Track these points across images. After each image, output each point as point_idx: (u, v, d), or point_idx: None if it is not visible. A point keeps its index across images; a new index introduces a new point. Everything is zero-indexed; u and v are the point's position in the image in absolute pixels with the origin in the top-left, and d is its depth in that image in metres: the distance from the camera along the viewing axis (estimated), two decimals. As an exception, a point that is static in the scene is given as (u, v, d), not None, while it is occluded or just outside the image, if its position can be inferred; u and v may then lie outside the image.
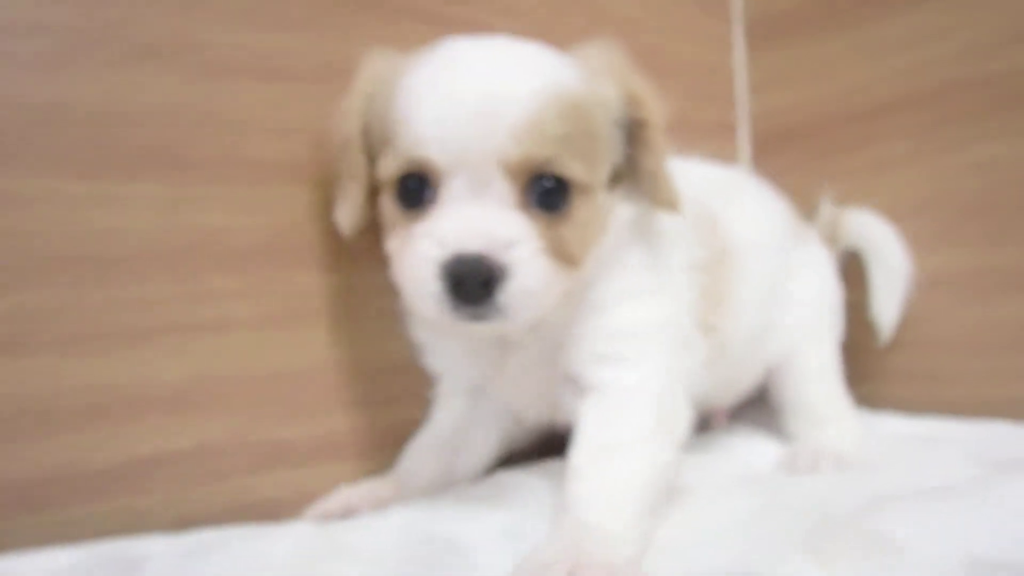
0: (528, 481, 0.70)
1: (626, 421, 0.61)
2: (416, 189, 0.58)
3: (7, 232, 0.57)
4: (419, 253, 0.56)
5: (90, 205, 0.60)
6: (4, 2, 0.57)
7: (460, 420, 0.73)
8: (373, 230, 0.64)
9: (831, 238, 0.98)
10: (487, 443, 0.74)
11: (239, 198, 0.66)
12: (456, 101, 0.56)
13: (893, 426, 0.92)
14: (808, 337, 0.87)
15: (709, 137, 1.14)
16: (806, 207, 1.03)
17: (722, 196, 0.81)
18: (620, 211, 0.64)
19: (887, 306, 0.96)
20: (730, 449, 0.85)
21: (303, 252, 0.69)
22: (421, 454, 0.72)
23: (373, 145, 0.61)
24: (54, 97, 0.59)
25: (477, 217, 0.55)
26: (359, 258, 0.72)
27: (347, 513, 0.66)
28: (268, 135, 0.68)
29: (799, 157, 1.14)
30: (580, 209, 0.59)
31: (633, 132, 0.63)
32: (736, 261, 0.77)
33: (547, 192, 0.57)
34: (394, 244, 0.60)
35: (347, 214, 0.64)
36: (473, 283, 0.54)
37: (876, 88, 1.05)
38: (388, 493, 0.68)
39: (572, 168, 0.57)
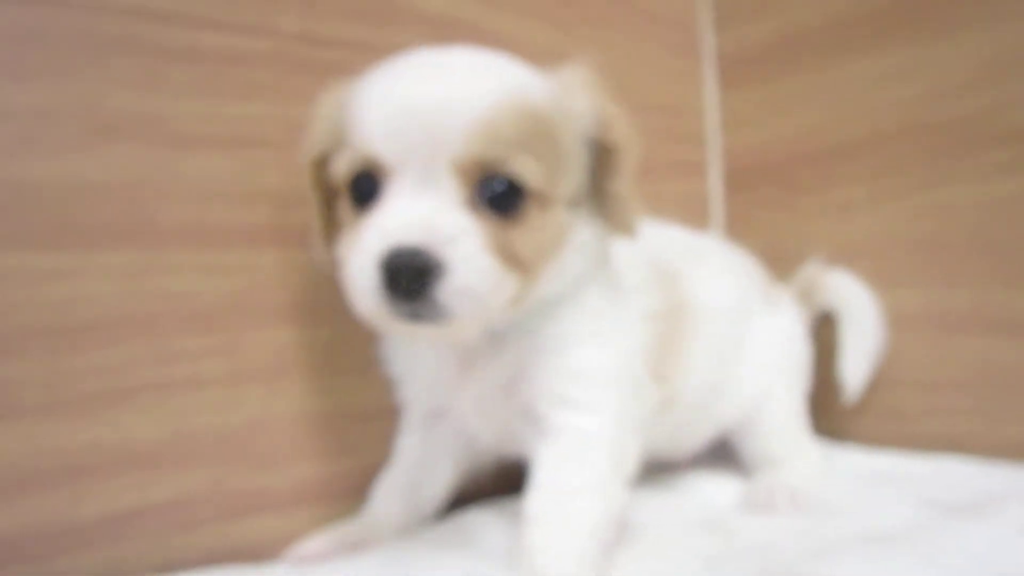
0: (488, 523, 0.73)
1: (581, 468, 0.63)
2: (367, 188, 0.57)
3: None
4: (361, 246, 0.55)
5: (59, 277, 0.63)
6: None
7: (421, 454, 0.75)
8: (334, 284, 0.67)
9: (807, 295, 1.01)
10: (447, 475, 0.76)
11: (206, 262, 0.69)
12: (407, 99, 0.55)
13: (854, 460, 0.94)
14: (770, 398, 0.88)
15: (679, 175, 1.17)
16: (776, 247, 1.07)
17: (689, 257, 0.83)
18: (580, 231, 0.64)
19: (855, 369, 0.98)
20: (691, 488, 0.87)
21: (269, 310, 0.72)
22: (387, 496, 0.75)
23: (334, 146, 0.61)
24: (21, 176, 0.61)
25: (421, 211, 0.54)
26: (326, 313, 0.74)
27: (320, 558, 0.69)
28: (234, 200, 0.71)
29: (769, 195, 1.16)
30: (535, 217, 0.58)
31: (601, 155, 0.63)
32: (693, 320, 0.79)
33: (499, 194, 0.56)
34: (344, 244, 0.59)
35: (318, 246, 0.66)
36: (409, 276, 0.52)
37: (840, 129, 1.07)
38: (359, 537, 0.71)
39: (527, 172, 0.56)
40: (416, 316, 0.54)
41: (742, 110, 1.19)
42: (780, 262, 1.10)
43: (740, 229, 1.19)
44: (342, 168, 0.58)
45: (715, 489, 0.87)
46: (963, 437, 0.95)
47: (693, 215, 1.19)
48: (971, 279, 0.95)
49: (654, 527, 0.73)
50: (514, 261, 0.57)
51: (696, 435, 0.88)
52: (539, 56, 0.93)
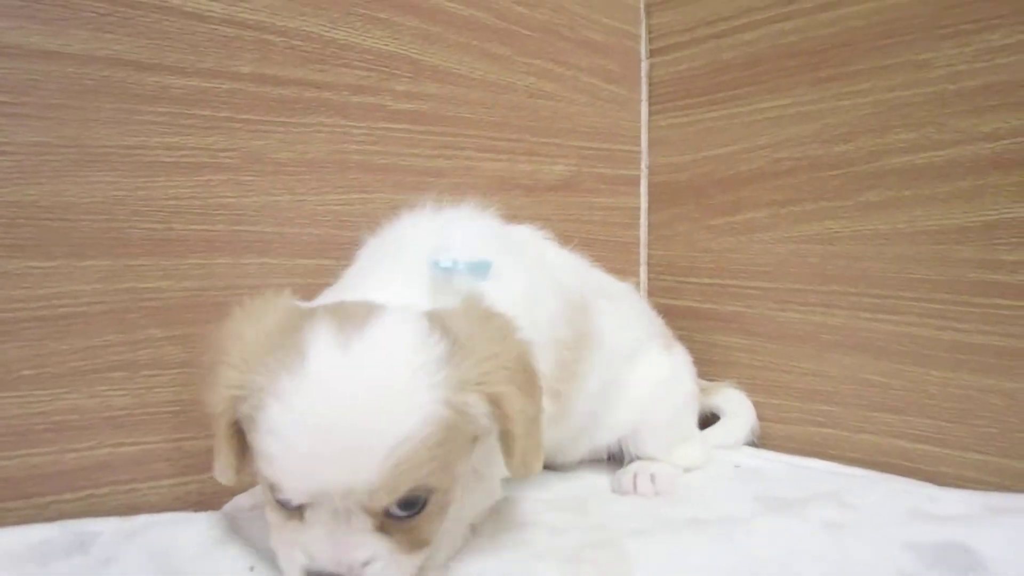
0: None
1: (477, 476, 0.73)
2: (287, 504, 0.60)
3: None
4: (291, 559, 0.60)
5: (50, 278, 0.78)
6: None
7: None
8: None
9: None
10: None
11: (169, 266, 0.85)
12: (313, 453, 0.56)
13: (725, 458, 1.07)
14: (653, 413, 0.99)
15: (614, 191, 1.31)
16: (689, 259, 1.23)
17: (604, 295, 0.96)
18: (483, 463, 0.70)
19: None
20: (576, 475, 1.01)
21: (221, 307, 0.87)
22: None
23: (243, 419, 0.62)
24: (20, 199, 0.77)
25: (338, 541, 0.58)
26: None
27: (254, 508, 0.83)
28: (194, 216, 0.86)
29: (685, 212, 1.28)
30: (434, 504, 0.62)
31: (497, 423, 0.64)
32: (593, 345, 0.90)
33: (409, 503, 0.60)
34: (274, 534, 0.63)
35: (222, 471, 0.67)
36: None
37: (747, 159, 1.19)
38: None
39: (432, 485, 0.60)
40: None
41: (666, 134, 1.31)
42: (691, 271, 1.24)
43: (660, 241, 1.33)
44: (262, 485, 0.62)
45: (593, 478, 1.00)
46: (829, 442, 1.09)
47: (624, 226, 1.33)
48: (845, 303, 1.08)
49: (528, 501, 0.88)
50: (418, 544, 0.63)
51: (585, 442, 0.99)
52: (481, 89, 1.07)
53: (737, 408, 1.15)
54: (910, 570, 0.70)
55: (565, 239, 0.97)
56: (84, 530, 0.75)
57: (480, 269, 0.73)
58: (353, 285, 0.73)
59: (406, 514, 0.60)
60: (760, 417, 1.16)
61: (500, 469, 0.72)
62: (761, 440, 1.15)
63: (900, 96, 1.01)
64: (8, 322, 0.77)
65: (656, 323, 1.09)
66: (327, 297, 0.72)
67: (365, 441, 0.56)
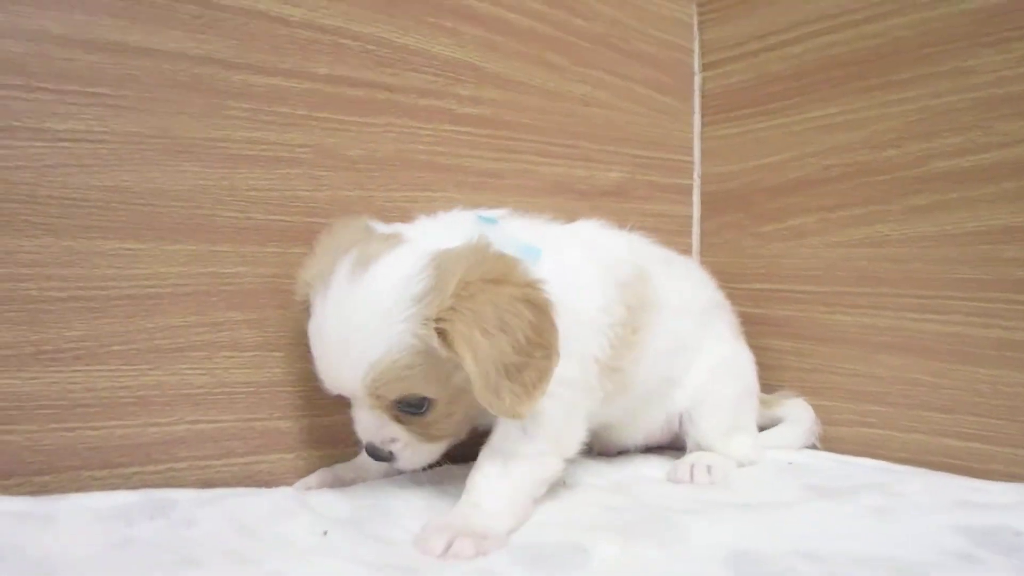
0: (455, 473, 0.88)
1: (525, 440, 0.79)
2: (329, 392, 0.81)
3: (88, 277, 0.80)
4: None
5: (139, 259, 0.83)
6: (79, 116, 0.80)
7: None
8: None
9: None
10: None
11: (248, 253, 0.90)
12: (327, 365, 0.78)
13: (775, 456, 1.09)
14: (712, 394, 1.02)
15: (667, 199, 1.35)
16: (740, 265, 1.26)
17: (665, 266, 1.00)
18: None
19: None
20: (629, 464, 1.03)
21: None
22: None
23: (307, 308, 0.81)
24: (116, 184, 0.82)
25: (369, 424, 0.80)
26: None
27: (320, 486, 0.88)
28: (272, 206, 0.91)
29: (736, 219, 1.32)
30: (440, 408, 0.78)
31: None
32: (656, 316, 0.94)
33: (411, 404, 0.77)
34: None
35: None
36: (375, 458, 0.82)
37: (796, 166, 1.22)
38: (350, 475, 0.90)
39: (422, 393, 0.76)
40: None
41: (717, 144, 1.35)
42: (741, 277, 1.27)
43: (710, 248, 1.36)
44: None
45: (648, 465, 1.03)
46: (879, 442, 1.10)
47: (677, 233, 1.36)
48: (894, 305, 1.09)
49: (583, 487, 0.91)
50: (433, 438, 0.81)
51: (650, 418, 1.02)
52: (538, 96, 1.12)
53: (799, 413, 1.16)
54: (957, 547, 0.70)
55: None
56: (165, 497, 0.79)
57: (530, 252, 0.81)
58: (420, 224, 0.86)
59: (414, 412, 0.77)
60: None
61: (554, 443, 0.79)
62: (819, 442, 1.17)
63: (946, 101, 1.04)
64: (101, 299, 0.82)
65: (723, 304, 1.12)
66: (403, 227, 0.84)
67: (350, 358, 0.74)
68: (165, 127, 0.85)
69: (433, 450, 0.82)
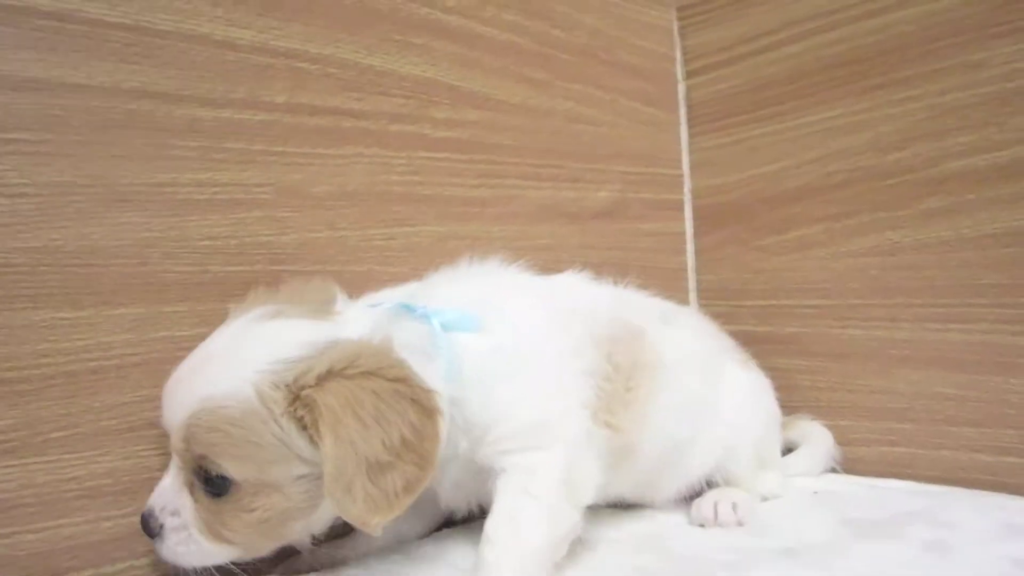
0: (458, 542, 0.82)
1: (530, 495, 0.72)
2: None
3: (16, 356, 0.69)
4: None
5: (77, 329, 0.72)
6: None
7: None
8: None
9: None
10: (433, 513, 0.87)
11: (206, 311, 0.78)
12: (167, 387, 0.69)
13: (797, 483, 1.03)
14: (737, 434, 0.95)
15: (658, 216, 1.27)
16: (740, 281, 1.20)
17: (662, 324, 0.92)
18: None
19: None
20: (647, 509, 0.95)
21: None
22: None
23: None
24: (44, 244, 0.70)
25: (164, 485, 0.69)
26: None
27: (310, 570, 0.78)
28: (231, 256, 0.80)
29: (733, 233, 1.26)
30: (244, 499, 0.66)
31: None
32: (656, 376, 0.86)
33: (212, 480, 0.66)
34: None
35: None
36: (143, 527, 0.69)
37: (796, 174, 1.17)
38: (346, 552, 0.81)
39: (226, 468, 0.65)
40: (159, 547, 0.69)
41: (708, 155, 1.29)
42: (744, 294, 1.20)
43: (708, 265, 1.29)
44: None
45: (663, 515, 0.94)
46: (904, 461, 1.04)
47: (671, 252, 1.29)
48: (911, 315, 1.04)
49: (603, 543, 0.82)
50: (221, 537, 0.67)
51: (669, 483, 0.94)
52: (521, 115, 1.03)
53: (816, 437, 1.10)
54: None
55: (612, 268, 0.94)
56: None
57: (465, 320, 0.75)
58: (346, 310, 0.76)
59: (210, 490, 0.67)
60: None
61: (564, 491, 0.73)
62: (838, 464, 1.10)
63: (956, 98, 1.00)
64: (35, 379, 0.70)
65: (727, 342, 1.04)
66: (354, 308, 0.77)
67: (186, 387, 0.67)
68: (99, 174, 0.74)
69: (208, 552, 0.68)
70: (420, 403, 0.67)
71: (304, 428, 0.65)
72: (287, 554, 0.81)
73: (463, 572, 0.75)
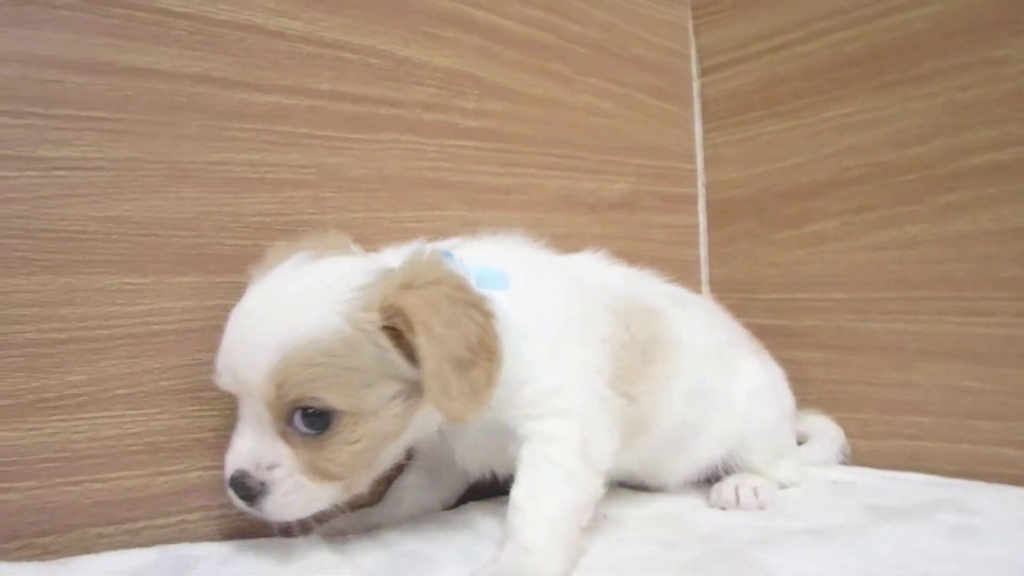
0: (486, 512, 0.86)
1: (552, 462, 0.75)
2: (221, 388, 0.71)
3: (89, 316, 0.74)
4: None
5: (140, 295, 0.77)
6: (73, 143, 0.74)
7: (432, 465, 0.89)
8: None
9: None
10: (454, 483, 0.91)
11: (257, 283, 0.84)
12: (231, 345, 0.68)
13: (816, 473, 1.05)
14: (753, 422, 0.97)
15: (671, 210, 1.32)
16: (755, 276, 1.21)
17: (677, 306, 0.95)
18: (421, 415, 0.72)
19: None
20: (660, 498, 0.97)
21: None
22: (402, 491, 0.88)
23: None
24: (114, 214, 0.76)
25: (249, 440, 0.68)
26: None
27: (346, 532, 0.82)
28: (278, 232, 0.85)
29: (747, 228, 1.27)
30: (345, 431, 0.67)
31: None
32: (672, 354, 0.89)
33: (309, 417, 0.66)
34: None
35: None
36: (239, 494, 0.68)
37: (812, 169, 1.18)
38: (378, 519, 0.85)
39: (328, 400, 0.65)
40: (256, 511, 0.69)
41: (723, 151, 1.31)
42: (758, 288, 1.23)
43: (721, 259, 1.32)
44: None
45: (683, 497, 0.97)
46: (923, 455, 1.05)
47: (684, 245, 1.33)
48: (931, 309, 1.05)
49: (627, 520, 0.86)
50: (324, 475, 0.68)
51: (681, 463, 0.97)
52: (541, 106, 1.08)
53: (824, 428, 1.12)
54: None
55: (626, 258, 0.97)
56: (184, 554, 0.73)
57: (496, 277, 0.77)
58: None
59: (310, 430, 0.66)
60: (844, 434, 1.13)
61: (583, 457, 0.75)
62: (848, 457, 1.13)
63: (976, 94, 1.00)
64: (103, 339, 0.76)
65: (740, 331, 1.07)
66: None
67: (260, 336, 0.66)
68: (163, 151, 0.79)
69: (317, 495, 0.69)
70: (479, 307, 0.70)
71: (399, 341, 0.67)
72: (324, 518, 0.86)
73: (491, 539, 0.79)
